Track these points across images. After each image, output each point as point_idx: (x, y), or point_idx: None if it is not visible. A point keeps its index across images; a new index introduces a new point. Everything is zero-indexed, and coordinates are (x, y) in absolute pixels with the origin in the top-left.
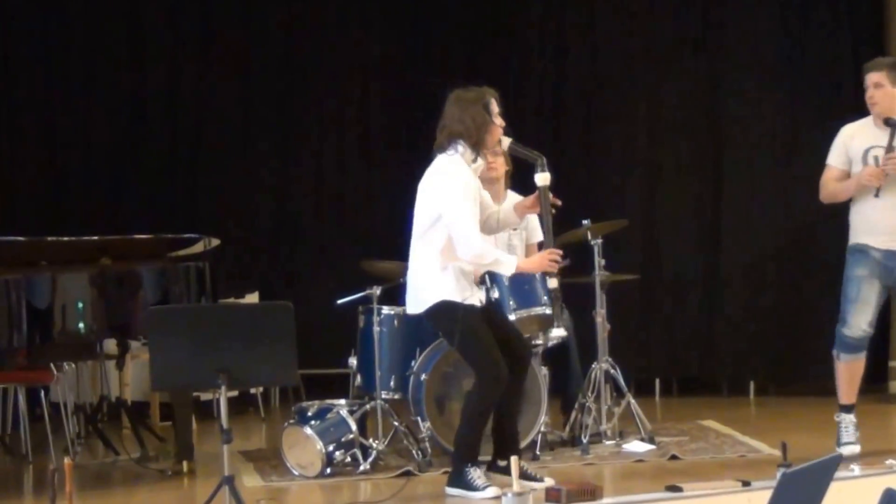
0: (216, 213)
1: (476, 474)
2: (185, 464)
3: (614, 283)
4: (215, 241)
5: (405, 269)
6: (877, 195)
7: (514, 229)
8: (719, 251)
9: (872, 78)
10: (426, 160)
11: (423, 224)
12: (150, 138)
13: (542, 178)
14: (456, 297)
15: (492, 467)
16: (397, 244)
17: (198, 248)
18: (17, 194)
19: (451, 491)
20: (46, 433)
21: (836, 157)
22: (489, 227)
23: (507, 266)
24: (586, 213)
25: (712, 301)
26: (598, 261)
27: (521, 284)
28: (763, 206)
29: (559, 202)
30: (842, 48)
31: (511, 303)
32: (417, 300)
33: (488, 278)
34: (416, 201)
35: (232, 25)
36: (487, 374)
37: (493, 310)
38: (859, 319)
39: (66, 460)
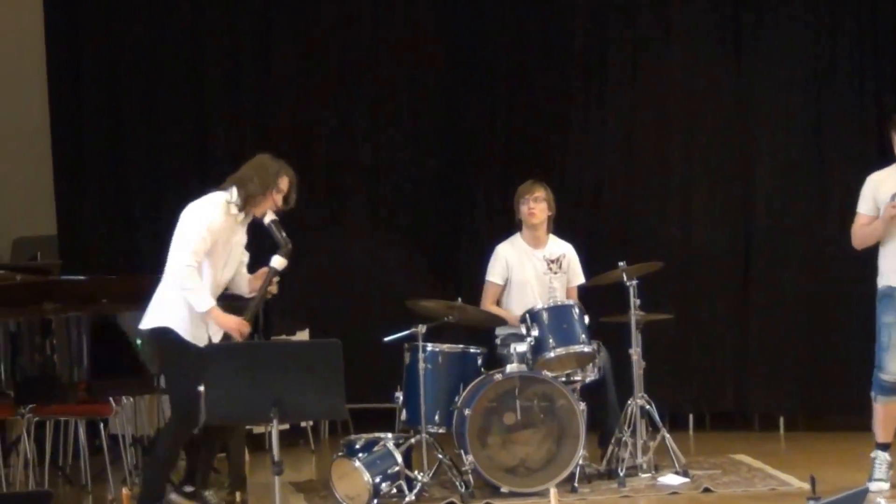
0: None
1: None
2: (237, 494)
3: (649, 323)
4: None
5: (449, 308)
6: None
7: (555, 273)
8: (750, 291)
9: None
10: (475, 205)
11: (172, 248)
12: (212, 175)
13: (279, 262)
14: (180, 329)
15: (178, 490)
16: (441, 284)
17: None
18: (86, 234)
19: None
20: (105, 464)
21: (864, 205)
22: (235, 283)
23: (202, 304)
24: (622, 255)
25: (744, 340)
26: (634, 301)
27: (560, 323)
28: (794, 247)
29: (275, 291)
30: (866, 95)
31: (550, 341)
32: (148, 317)
33: (528, 317)
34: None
35: (289, 69)
36: (181, 410)
37: None
38: (894, 364)
39: (124, 490)
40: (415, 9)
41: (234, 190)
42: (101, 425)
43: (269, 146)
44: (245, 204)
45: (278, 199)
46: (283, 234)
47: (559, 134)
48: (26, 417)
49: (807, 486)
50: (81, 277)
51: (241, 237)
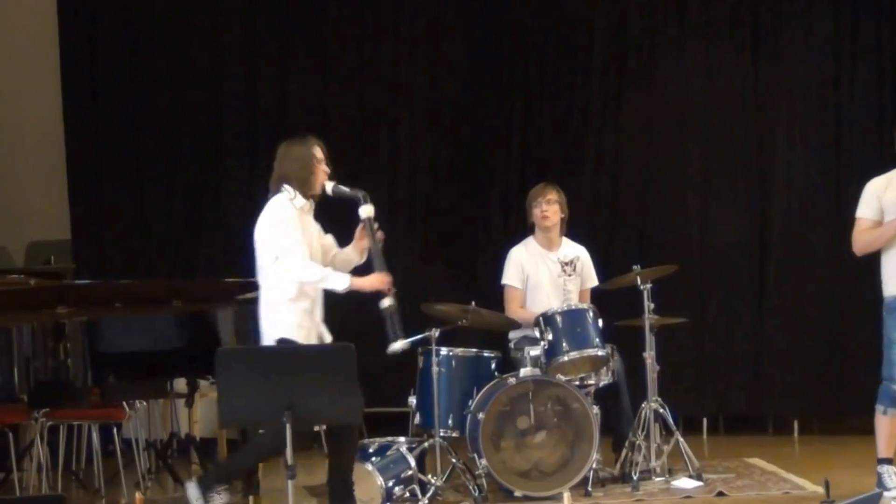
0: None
1: (220, 499)
2: (251, 498)
3: (664, 326)
4: None
5: (463, 311)
6: None
7: (569, 275)
8: (766, 294)
9: None
10: (491, 207)
11: (264, 264)
12: (228, 179)
13: (366, 210)
14: (295, 336)
15: None
16: (455, 288)
17: None
18: (100, 238)
19: (192, 489)
20: (118, 468)
21: (868, 209)
22: (342, 262)
23: (340, 282)
24: (638, 258)
25: (758, 343)
26: (648, 304)
27: (574, 326)
28: (810, 250)
29: (383, 235)
30: (885, 96)
31: (564, 344)
32: (267, 331)
33: (542, 321)
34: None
35: (308, 73)
36: None
37: None
38: None
39: (138, 495)
40: (435, 10)
41: (286, 186)
42: (115, 430)
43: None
44: (303, 190)
45: (323, 167)
46: (354, 189)
47: (576, 136)
48: (39, 422)
49: (821, 489)
50: (94, 282)
51: (314, 226)
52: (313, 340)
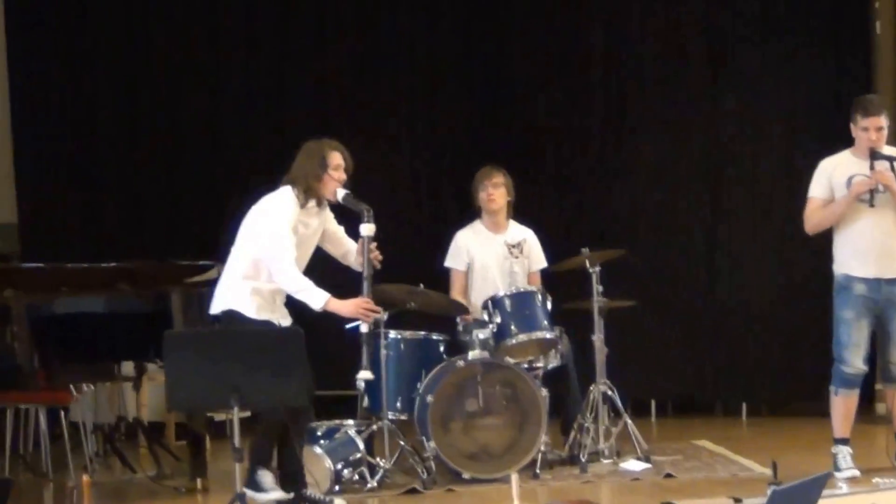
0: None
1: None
2: (199, 481)
3: (613, 309)
4: None
5: (409, 293)
6: (871, 205)
7: (516, 257)
8: (716, 277)
9: (880, 122)
10: (442, 195)
11: (240, 239)
12: (183, 165)
13: (367, 229)
14: (246, 311)
15: None
16: (404, 271)
17: (212, 274)
18: (49, 222)
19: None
20: (66, 452)
21: (819, 188)
22: (347, 259)
23: (317, 300)
24: (587, 241)
25: (706, 326)
26: (596, 287)
27: (522, 309)
28: (760, 233)
29: (380, 256)
30: (842, 86)
31: (512, 327)
32: (216, 302)
33: (490, 304)
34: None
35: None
36: None
37: None
38: (855, 359)
39: (85, 478)
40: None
41: (294, 187)
42: (62, 413)
43: (250, 137)
44: (307, 196)
45: (336, 175)
46: (360, 204)
47: (525, 119)
48: None
49: (769, 471)
50: (41, 265)
51: (319, 222)
52: (264, 317)
